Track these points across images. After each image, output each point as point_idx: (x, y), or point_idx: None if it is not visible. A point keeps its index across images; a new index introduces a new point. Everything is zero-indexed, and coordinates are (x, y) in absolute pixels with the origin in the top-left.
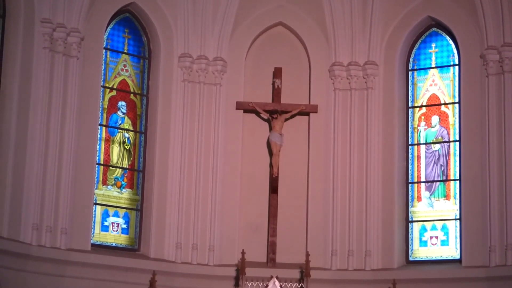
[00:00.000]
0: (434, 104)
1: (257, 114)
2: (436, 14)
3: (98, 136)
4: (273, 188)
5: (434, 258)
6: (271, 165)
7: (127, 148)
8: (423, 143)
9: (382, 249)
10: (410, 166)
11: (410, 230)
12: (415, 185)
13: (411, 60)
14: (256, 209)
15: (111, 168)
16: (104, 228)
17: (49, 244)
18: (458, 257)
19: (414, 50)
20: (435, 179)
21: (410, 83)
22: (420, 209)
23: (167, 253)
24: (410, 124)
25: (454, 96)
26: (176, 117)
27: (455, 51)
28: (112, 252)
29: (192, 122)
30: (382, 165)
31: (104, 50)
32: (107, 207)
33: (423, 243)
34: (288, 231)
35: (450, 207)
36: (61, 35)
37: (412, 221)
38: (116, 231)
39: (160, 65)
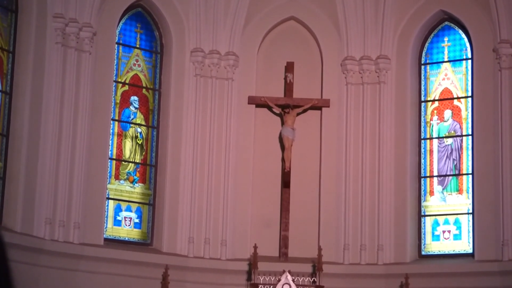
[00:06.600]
0: (446, 98)
1: (269, 108)
2: (449, 8)
3: (111, 130)
4: (285, 183)
5: (446, 252)
6: (283, 160)
7: (140, 143)
8: (436, 137)
9: (395, 243)
10: (422, 160)
11: (422, 225)
12: (428, 179)
13: (423, 54)
14: (268, 203)
15: (123, 162)
16: (117, 223)
17: (62, 239)
18: (470, 251)
19: (426, 44)
20: (448, 173)
21: (422, 77)
22: (433, 203)
23: (179, 248)
24: (422, 118)
25: (466, 90)
26: (188, 111)
27: (467, 45)
28: (125, 247)
29: (204, 116)
30: (394, 159)
31: (116, 45)
32: (120, 202)
33: (436, 237)
34: (300, 226)
35: (462, 201)
36: (74, 30)
37: (425, 216)
38: (129, 225)
39: (172, 59)
